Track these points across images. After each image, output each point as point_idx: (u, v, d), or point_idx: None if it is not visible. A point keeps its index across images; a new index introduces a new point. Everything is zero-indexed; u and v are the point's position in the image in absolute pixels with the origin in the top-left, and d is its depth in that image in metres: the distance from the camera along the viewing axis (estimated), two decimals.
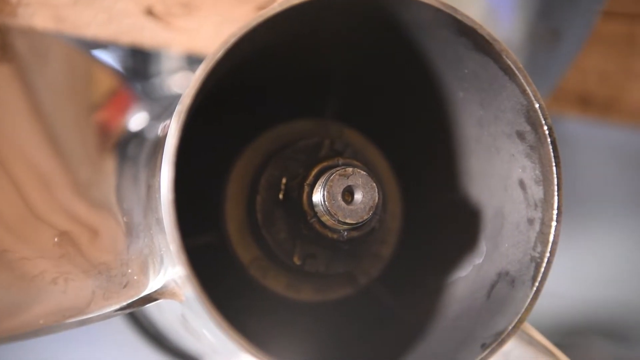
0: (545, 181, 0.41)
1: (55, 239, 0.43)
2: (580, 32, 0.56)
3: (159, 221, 0.38)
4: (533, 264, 0.40)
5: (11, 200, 0.45)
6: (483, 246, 0.44)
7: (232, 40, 0.37)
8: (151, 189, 0.41)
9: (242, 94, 0.48)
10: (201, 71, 0.37)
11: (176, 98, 0.59)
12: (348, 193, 0.42)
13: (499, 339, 0.39)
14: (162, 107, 0.58)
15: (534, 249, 0.41)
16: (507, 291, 0.41)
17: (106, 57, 0.67)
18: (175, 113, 0.37)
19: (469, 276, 0.45)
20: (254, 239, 0.47)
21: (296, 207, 0.44)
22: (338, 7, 0.40)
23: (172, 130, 0.36)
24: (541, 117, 0.40)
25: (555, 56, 0.56)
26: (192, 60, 0.73)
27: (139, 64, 0.73)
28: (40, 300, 0.40)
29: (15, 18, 0.51)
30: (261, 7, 0.53)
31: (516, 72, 0.40)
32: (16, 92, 0.50)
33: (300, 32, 0.42)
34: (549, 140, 0.40)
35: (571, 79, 0.57)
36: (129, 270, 0.41)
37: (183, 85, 0.71)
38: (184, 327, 0.47)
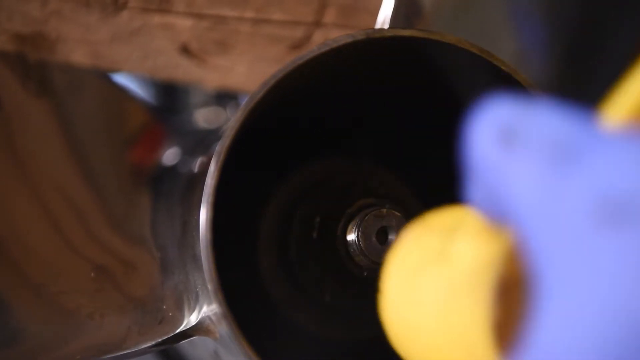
0: None
1: (92, 274, 0.44)
2: (612, 74, 0.57)
3: (195, 258, 0.38)
4: None
5: (48, 234, 0.46)
6: None
7: (272, 81, 0.38)
8: (187, 226, 0.41)
9: (277, 131, 0.49)
10: (241, 112, 0.37)
11: (208, 133, 0.59)
12: (382, 234, 0.42)
13: None
14: (194, 142, 0.58)
15: None
16: None
17: (139, 91, 0.68)
18: (214, 153, 0.37)
19: None
20: (287, 276, 0.47)
21: (329, 245, 0.44)
22: (376, 49, 0.40)
23: (211, 170, 0.37)
24: None
25: (586, 100, 0.56)
26: (221, 96, 0.73)
27: (168, 98, 0.74)
28: (76, 335, 0.41)
29: (53, 54, 0.52)
30: (295, 46, 0.54)
31: None
32: (53, 127, 0.51)
33: (337, 72, 0.43)
34: None
35: None
36: (164, 306, 0.41)
37: (212, 120, 0.72)
38: None
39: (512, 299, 0.24)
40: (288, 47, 0.54)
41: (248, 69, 0.55)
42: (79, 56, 0.53)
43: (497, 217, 0.24)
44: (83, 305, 0.42)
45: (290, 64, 0.38)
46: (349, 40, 0.38)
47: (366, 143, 0.50)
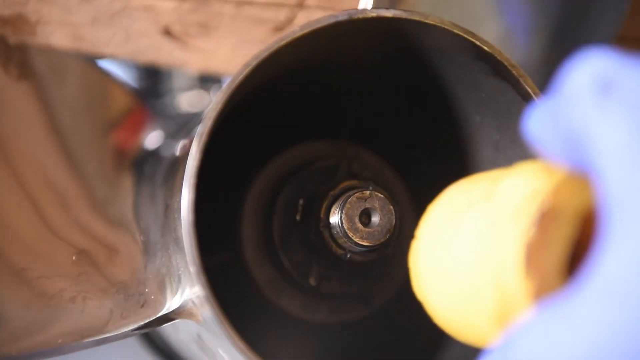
0: None
1: (74, 257, 0.43)
2: None
3: (177, 241, 0.38)
4: None
5: (29, 217, 0.45)
6: None
7: (254, 62, 0.37)
8: (169, 209, 0.41)
9: (260, 114, 0.49)
10: (223, 93, 0.37)
11: (191, 117, 0.59)
12: (365, 216, 0.42)
13: None
14: (177, 125, 0.58)
15: None
16: None
17: (122, 75, 0.67)
18: (196, 135, 0.37)
19: None
20: (270, 259, 0.47)
21: (313, 228, 0.44)
22: (358, 30, 0.40)
23: (192, 152, 0.37)
24: None
25: None
26: (205, 79, 0.73)
27: (151, 82, 0.73)
28: (58, 319, 0.40)
29: (34, 36, 0.52)
30: (278, 28, 0.54)
31: (534, 98, 0.40)
32: (34, 110, 0.50)
33: (320, 54, 0.42)
34: None
35: None
36: (147, 290, 0.41)
37: (195, 103, 0.71)
38: (199, 347, 0.47)
39: (553, 230, 0.25)
40: (271, 29, 0.54)
41: (231, 52, 0.55)
42: (60, 38, 0.52)
43: (564, 154, 0.25)
44: (65, 289, 0.41)
45: (272, 45, 0.38)
46: (332, 21, 0.38)
47: (350, 125, 0.50)
